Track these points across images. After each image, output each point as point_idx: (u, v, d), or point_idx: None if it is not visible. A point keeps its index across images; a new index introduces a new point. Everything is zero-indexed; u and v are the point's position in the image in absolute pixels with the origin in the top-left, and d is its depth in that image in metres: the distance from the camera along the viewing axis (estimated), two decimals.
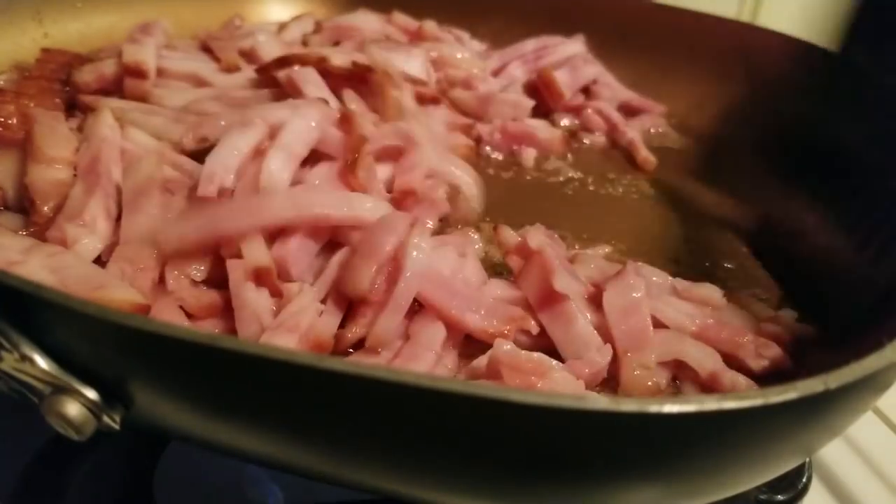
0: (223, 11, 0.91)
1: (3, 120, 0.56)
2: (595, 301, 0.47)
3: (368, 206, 0.49)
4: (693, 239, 0.62)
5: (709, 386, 0.45)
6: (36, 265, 0.44)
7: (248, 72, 0.72)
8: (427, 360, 0.44)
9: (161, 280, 0.47)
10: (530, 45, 0.84)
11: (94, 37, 0.79)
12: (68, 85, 0.68)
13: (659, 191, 0.69)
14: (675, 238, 0.62)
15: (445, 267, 0.48)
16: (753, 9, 1.25)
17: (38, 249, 0.46)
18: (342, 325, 0.46)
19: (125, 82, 0.66)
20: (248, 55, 0.75)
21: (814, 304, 0.53)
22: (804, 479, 0.51)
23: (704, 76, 0.83)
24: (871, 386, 0.34)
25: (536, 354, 0.43)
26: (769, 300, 0.55)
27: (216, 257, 0.48)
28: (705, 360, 0.45)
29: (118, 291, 0.44)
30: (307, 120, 0.55)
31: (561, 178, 0.70)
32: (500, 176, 0.70)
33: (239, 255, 0.46)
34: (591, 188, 0.69)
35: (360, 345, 0.45)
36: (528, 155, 0.72)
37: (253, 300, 0.45)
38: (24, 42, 0.74)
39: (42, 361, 0.33)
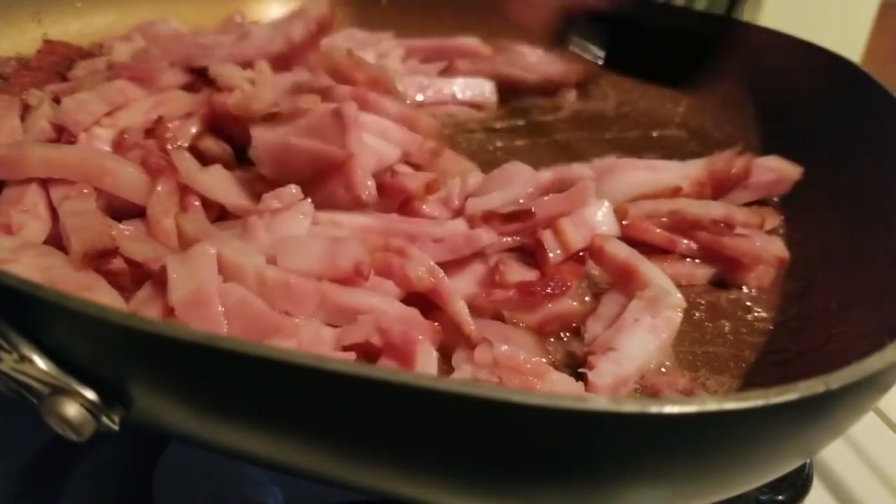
0: (223, 9, 0.91)
1: None
2: None
3: None
4: None
5: None
6: (27, 264, 0.44)
7: None
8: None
9: None
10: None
11: (94, 36, 0.79)
12: (66, 79, 0.68)
13: None
14: None
15: None
16: (754, 8, 1.25)
17: (27, 248, 0.46)
18: None
19: None
20: None
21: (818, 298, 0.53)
22: (805, 480, 0.51)
23: (703, 76, 0.83)
24: (871, 386, 0.34)
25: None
26: (768, 298, 0.55)
27: None
28: None
29: (105, 295, 0.44)
30: None
31: None
32: None
33: None
34: None
35: None
36: None
37: None
38: (23, 42, 0.75)
39: (41, 362, 0.33)
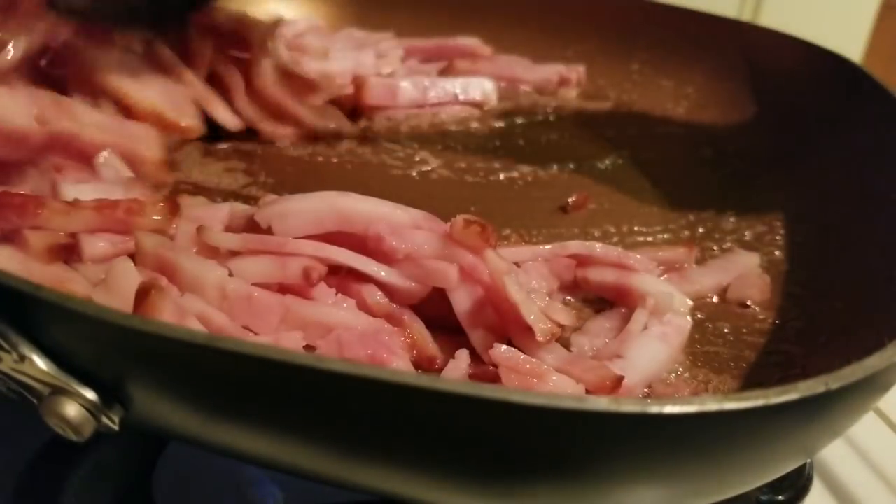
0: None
1: None
2: None
3: None
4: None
5: None
6: (5, 256, 0.44)
7: None
8: None
9: None
10: None
11: None
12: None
13: (661, 190, 0.69)
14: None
15: None
16: (754, 8, 1.25)
17: (3, 244, 0.46)
18: None
19: None
20: None
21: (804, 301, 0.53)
22: (805, 480, 0.51)
23: (705, 76, 0.83)
24: (872, 386, 0.34)
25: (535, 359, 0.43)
26: (769, 299, 0.55)
27: None
28: None
29: (79, 287, 0.44)
30: None
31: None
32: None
33: None
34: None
35: None
36: None
37: None
38: None
39: (41, 362, 0.33)
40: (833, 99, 0.70)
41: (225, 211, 0.51)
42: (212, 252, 0.46)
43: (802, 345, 0.50)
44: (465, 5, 0.93)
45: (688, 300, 0.50)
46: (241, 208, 0.52)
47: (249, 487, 0.50)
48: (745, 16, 1.24)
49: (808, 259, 0.59)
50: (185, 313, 0.40)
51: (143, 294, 0.40)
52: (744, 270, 0.57)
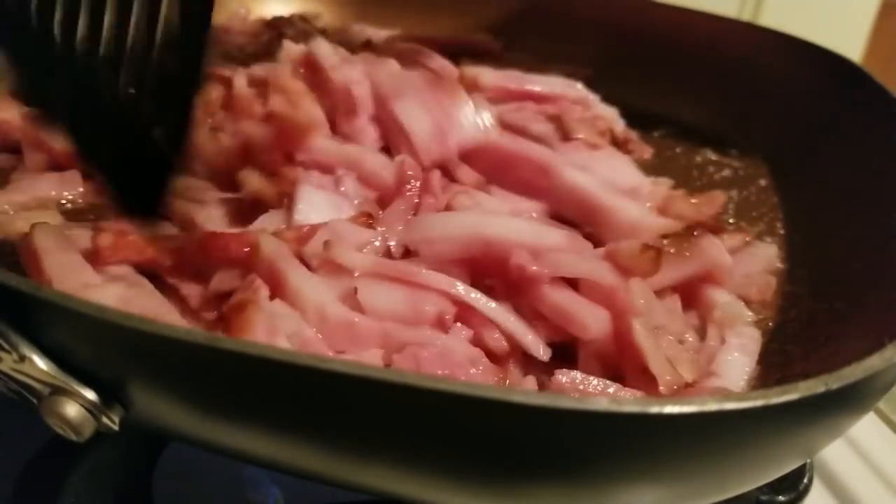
0: (223, 9, 0.91)
1: None
2: None
3: None
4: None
5: None
6: (112, 294, 0.43)
7: None
8: None
9: None
10: None
11: None
12: None
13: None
14: None
15: None
16: (754, 8, 1.25)
17: (118, 279, 0.45)
18: None
19: None
20: None
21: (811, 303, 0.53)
22: (805, 480, 0.51)
23: (705, 76, 0.83)
24: (872, 386, 0.34)
25: None
26: (769, 299, 0.55)
27: None
28: None
29: (97, 293, 0.43)
30: None
31: None
32: None
33: None
34: None
35: None
36: None
37: None
38: None
39: (41, 362, 0.33)
40: (833, 99, 0.70)
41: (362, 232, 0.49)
42: (334, 268, 0.45)
43: (802, 345, 0.50)
44: (468, 6, 0.93)
45: (749, 312, 0.50)
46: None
47: (249, 487, 0.50)
48: (745, 16, 1.24)
49: (808, 259, 0.59)
50: (276, 332, 0.40)
51: (240, 308, 0.40)
52: (765, 263, 0.57)
